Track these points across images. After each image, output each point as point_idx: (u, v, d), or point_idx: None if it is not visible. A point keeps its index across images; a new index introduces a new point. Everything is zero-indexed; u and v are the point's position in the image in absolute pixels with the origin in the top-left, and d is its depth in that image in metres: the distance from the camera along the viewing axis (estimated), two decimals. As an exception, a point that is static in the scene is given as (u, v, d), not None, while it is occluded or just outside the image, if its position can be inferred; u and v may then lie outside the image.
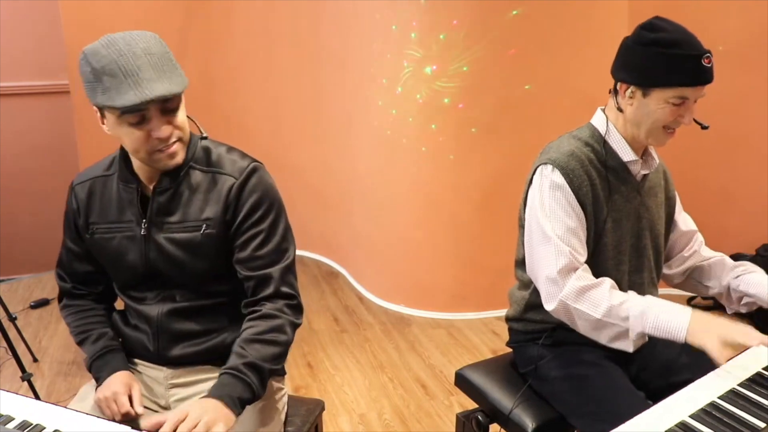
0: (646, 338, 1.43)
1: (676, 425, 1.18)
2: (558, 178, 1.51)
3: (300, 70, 3.82)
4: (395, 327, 3.33)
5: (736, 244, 3.34)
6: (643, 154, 1.61)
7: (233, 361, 1.33)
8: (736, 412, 1.22)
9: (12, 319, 2.92)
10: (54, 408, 1.22)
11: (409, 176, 3.32)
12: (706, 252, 1.75)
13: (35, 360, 2.98)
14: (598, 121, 1.60)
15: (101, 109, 1.30)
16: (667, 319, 1.37)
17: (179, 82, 1.28)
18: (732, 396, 1.26)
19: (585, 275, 1.48)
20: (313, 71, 3.77)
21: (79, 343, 1.52)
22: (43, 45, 3.76)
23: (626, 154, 1.56)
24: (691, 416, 1.20)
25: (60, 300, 1.61)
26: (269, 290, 1.41)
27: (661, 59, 1.43)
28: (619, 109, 1.54)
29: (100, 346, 1.47)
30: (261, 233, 1.41)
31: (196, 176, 1.43)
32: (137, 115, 1.27)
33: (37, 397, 2.52)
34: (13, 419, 1.19)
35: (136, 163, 1.42)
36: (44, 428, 1.17)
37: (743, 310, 1.66)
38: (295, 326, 1.43)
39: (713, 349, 1.31)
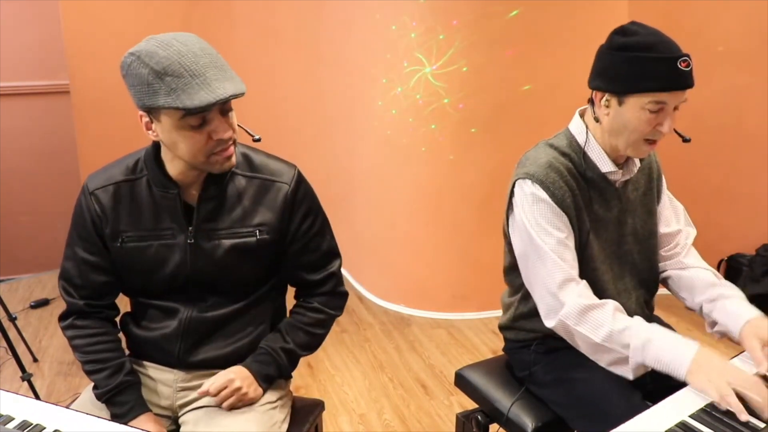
0: (649, 368, 1.37)
1: (676, 425, 1.18)
2: (539, 192, 1.45)
3: (300, 70, 3.82)
4: (395, 327, 3.33)
5: (736, 244, 3.34)
6: (625, 161, 1.54)
7: (275, 341, 1.47)
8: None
9: (12, 319, 2.92)
10: (54, 408, 1.22)
11: (409, 176, 3.32)
12: (688, 260, 1.64)
13: (35, 360, 2.98)
14: (577, 128, 1.54)
15: (156, 113, 1.25)
16: (668, 356, 1.31)
17: (240, 81, 1.26)
18: (732, 396, 1.26)
19: (587, 292, 1.44)
20: (313, 71, 3.77)
21: (89, 372, 1.42)
22: (43, 45, 3.76)
23: (605, 165, 1.50)
24: (691, 416, 1.20)
25: (65, 317, 1.47)
26: (326, 288, 1.53)
27: (634, 63, 1.36)
28: (596, 119, 1.48)
29: (118, 381, 1.40)
30: (317, 236, 1.48)
31: (240, 181, 1.41)
32: (199, 117, 1.24)
33: (37, 397, 2.52)
34: (13, 419, 1.19)
35: (175, 168, 1.36)
36: (44, 428, 1.17)
37: (716, 337, 1.54)
38: (335, 319, 1.56)
39: (714, 397, 1.23)
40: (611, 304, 1.42)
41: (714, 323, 1.54)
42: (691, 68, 1.36)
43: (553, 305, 1.44)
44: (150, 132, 1.30)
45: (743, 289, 3.45)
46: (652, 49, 1.35)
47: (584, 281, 1.46)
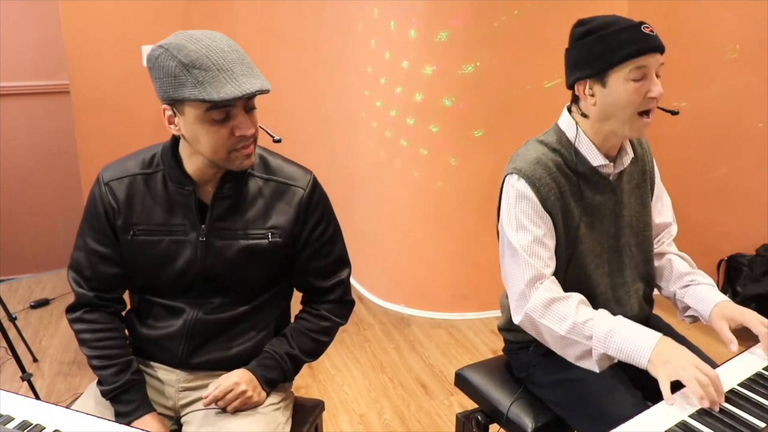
0: (614, 360, 1.39)
1: (676, 425, 1.18)
2: (524, 187, 1.47)
3: (299, 70, 3.82)
4: (395, 327, 3.33)
5: (736, 244, 3.33)
6: (618, 152, 1.55)
7: (280, 346, 1.47)
8: (736, 412, 1.22)
9: (12, 319, 2.92)
10: (54, 408, 1.22)
11: (409, 178, 3.32)
12: (668, 249, 1.69)
13: (35, 360, 2.98)
14: (566, 124, 1.55)
15: (180, 105, 1.26)
16: (631, 345, 1.33)
17: (266, 80, 1.27)
18: (732, 396, 1.26)
19: (552, 286, 1.45)
20: (312, 70, 3.77)
21: (96, 367, 1.42)
22: (43, 45, 3.76)
23: (595, 158, 1.51)
24: (691, 416, 1.20)
25: (73, 310, 1.46)
26: (334, 295, 1.53)
27: (602, 41, 1.42)
28: (584, 116, 1.50)
29: (125, 379, 1.39)
30: (328, 243, 1.49)
31: (256, 183, 1.42)
32: (223, 111, 1.25)
33: (37, 397, 2.52)
34: (13, 419, 1.19)
35: (193, 164, 1.37)
36: (44, 428, 1.17)
37: (688, 321, 1.60)
38: (340, 327, 1.57)
39: (661, 384, 1.26)
40: (575, 297, 1.44)
41: (686, 308, 1.59)
42: (656, 33, 1.41)
43: (521, 301, 1.47)
44: (172, 126, 1.31)
45: (743, 289, 3.45)
46: (613, 24, 1.42)
47: (553, 277, 1.47)
